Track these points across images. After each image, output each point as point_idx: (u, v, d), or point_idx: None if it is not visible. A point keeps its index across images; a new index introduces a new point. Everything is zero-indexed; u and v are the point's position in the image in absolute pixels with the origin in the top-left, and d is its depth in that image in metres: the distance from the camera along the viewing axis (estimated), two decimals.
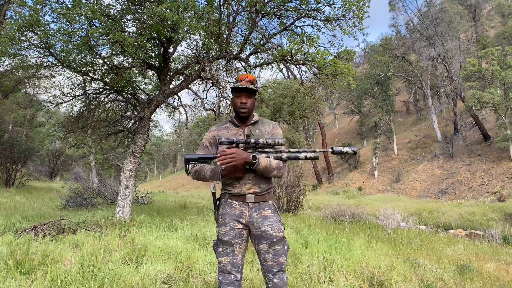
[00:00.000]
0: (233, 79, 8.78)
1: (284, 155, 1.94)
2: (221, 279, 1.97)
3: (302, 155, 1.93)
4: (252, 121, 2.09)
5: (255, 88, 2.01)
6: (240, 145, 1.91)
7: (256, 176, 1.98)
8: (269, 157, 1.93)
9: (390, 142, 32.04)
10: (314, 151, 1.93)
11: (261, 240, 1.97)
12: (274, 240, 1.95)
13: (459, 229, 10.72)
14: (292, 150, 1.96)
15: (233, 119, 2.11)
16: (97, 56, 7.04)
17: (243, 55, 7.82)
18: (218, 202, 2.08)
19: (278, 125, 2.16)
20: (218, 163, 1.86)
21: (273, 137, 2.01)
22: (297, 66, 7.93)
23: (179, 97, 9.35)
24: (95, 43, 6.45)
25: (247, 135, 2.02)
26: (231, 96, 2.13)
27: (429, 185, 22.50)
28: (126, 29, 6.91)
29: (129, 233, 4.97)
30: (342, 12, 7.33)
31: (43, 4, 5.90)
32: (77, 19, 5.91)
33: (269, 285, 1.96)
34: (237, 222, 1.98)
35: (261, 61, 8.17)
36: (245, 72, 8.08)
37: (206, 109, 8.76)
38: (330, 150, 1.90)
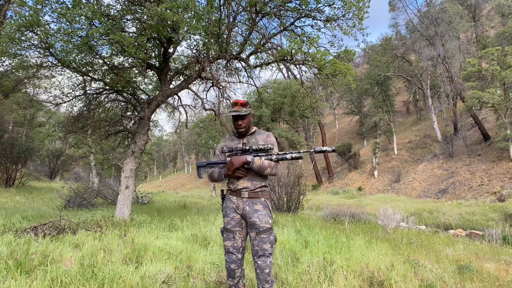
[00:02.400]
0: (232, 79, 8.79)
1: (274, 156, 2.41)
2: (226, 258, 2.46)
3: (288, 155, 2.39)
4: (250, 133, 2.59)
5: (246, 112, 2.48)
6: (238, 151, 2.44)
7: (250, 174, 2.44)
8: (261, 158, 2.40)
9: (390, 142, 32.04)
10: (299, 152, 2.38)
11: (251, 228, 2.42)
12: (261, 229, 2.38)
13: (459, 229, 10.72)
14: (280, 152, 2.42)
15: (234, 133, 2.64)
16: (97, 56, 7.04)
17: (243, 55, 7.82)
18: (224, 197, 2.57)
19: (272, 134, 2.64)
20: (226, 170, 2.42)
21: (265, 143, 2.50)
22: (297, 66, 7.93)
23: (179, 97, 9.36)
24: (95, 43, 6.45)
25: (243, 143, 2.51)
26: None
27: (429, 185, 22.50)
28: (126, 29, 6.90)
29: (129, 233, 4.97)
30: (342, 12, 7.33)
31: (43, 4, 5.90)
32: (77, 19, 5.91)
33: (255, 266, 2.40)
34: (236, 213, 2.46)
35: (261, 61, 8.17)
36: (257, 84, 8.86)
37: (206, 109, 8.76)
38: (312, 150, 2.34)
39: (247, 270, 3.32)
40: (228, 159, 2.44)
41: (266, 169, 2.40)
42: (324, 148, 2.29)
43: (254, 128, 2.64)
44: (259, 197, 2.45)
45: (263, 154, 2.41)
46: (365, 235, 6.07)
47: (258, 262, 2.36)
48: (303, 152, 2.37)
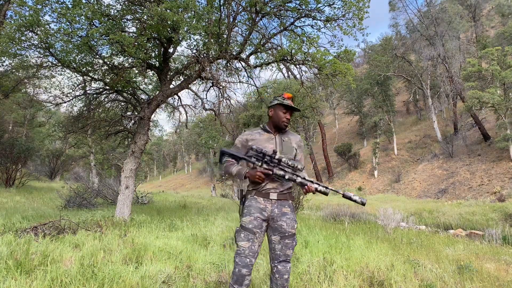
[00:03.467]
0: (232, 79, 8.78)
1: (298, 179, 2.19)
2: (238, 260, 2.21)
3: (314, 186, 2.17)
4: (283, 131, 2.41)
5: (297, 108, 2.38)
6: (270, 159, 2.22)
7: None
8: (285, 176, 2.19)
9: (390, 142, 32.04)
10: (326, 187, 2.15)
11: (275, 232, 2.27)
12: (286, 234, 2.25)
13: (459, 229, 10.72)
14: (307, 178, 2.19)
15: (266, 126, 2.44)
16: (97, 56, 7.04)
17: (243, 55, 7.82)
18: (244, 198, 2.38)
19: (301, 139, 2.52)
20: (255, 176, 2.21)
21: (296, 161, 2.32)
22: (297, 66, 7.93)
23: (179, 97, 9.36)
24: (95, 43, 6.44)
25: (274, 151, 2.25)
26: (273, 107, 2.40)
27: (429, 185, 22.50)
28: (126, 29, 6.90)
29: (129, 233, 4.97)
30: (342, 12, 7.33)
31: (43, 4, 5.90)
32: (77, 19, 5.90)
33: (274, 270, 2.26)
34: (260, 215, 2.26)
35: (261, 61, 8.17)
36: (257, 84, 8.66)
37: (206, 109, 8.76)
38: (340, 192, 2.15)
39: None
40: (253, 159, 2.26)
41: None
42: (354, 198, 2.08)
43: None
44: (287, 199, 2.34)
45: (290, 171, 2.21)
46: (365, 235, 6.07)
47: (279, 267, 2.24)
48: (330, 189, 2.17)
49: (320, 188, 2.14)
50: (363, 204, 2.09)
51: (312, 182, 2.16)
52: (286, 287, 2.26)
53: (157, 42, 7.25)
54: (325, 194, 2.14)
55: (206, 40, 6.79)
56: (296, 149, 2.42)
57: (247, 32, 7.72)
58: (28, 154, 16.69)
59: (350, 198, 2.07)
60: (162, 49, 7.43)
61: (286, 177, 2.18)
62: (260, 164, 2.25)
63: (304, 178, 2.17)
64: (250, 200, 2.33)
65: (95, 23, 6.17)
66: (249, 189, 2.38)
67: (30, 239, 3.97)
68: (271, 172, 2.19)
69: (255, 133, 2.41)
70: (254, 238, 2.22)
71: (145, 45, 6.33)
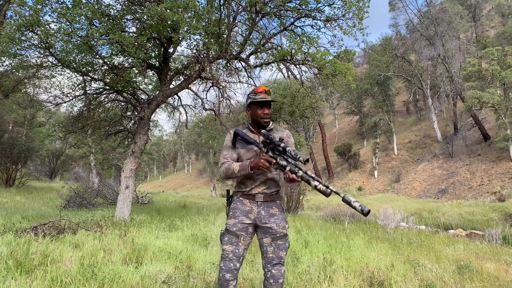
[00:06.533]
0: (232, 79, 8.78)
1: (300, 173, 1.95)
2: (222, 265, 2.16)
3: (314, 183, 1.92)
4: (268, 129, 2.26)
5: (273, 99, 2.21)
6: (270, 143, 2.05)
7: (268, 179, 2.19)
8: (286, 167, 1.99)
9: (390, 142, 32.03)
10: (327, 187, 1.89)
11: (266, 234, 2.16)
12: (278, 235, 2.15)
13: (459, 229, 10.71)
14: (308, 173, 1.96)
15: (250, 125, 2.29)
16: (97, 56, 7.04)
17: (243, 55, 7.82)
18: (230, 198, 2.30)
19: (291, 135, 2.34)
20: (259, 163, 2.02)
21: (296, 151, 2.01)
22: (297, 66, 7.92)
23: (179, 97, 9.35)
24: (95, 43, 6.44)
25: (280, 138, 2.07)
26: (248, 106, 2.28)
27: (429, 185, 22.50)
28: (126, 29, 6.90)
29: (129, 233, 4.97)
30: (342, 12, 7.33)
31: (43, 4, 5.90)
32: (77, 19, 5.91)
33: (268, 275, 2.14)
34: (246, 218, 2.17)
35: (261, 61, 8.17)
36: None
37: (206, 109, 8.76)
38: (341, 195, 1.86)
39: (247, 270, 3.32)
40: (260, 145, 2.10)
41: (294, 186, 2.17)
42: (354, 205, 1.81)
43: (271, 124, 2.31)
44: (274, 199, 2.22)
45: (292, 162, 1.99)
46: (365, 235, 6.07)
47: (273, 271, 2.13)
48: (331, 190, 1.89)
49: (320, 186, 1.89)
50: (363, 213, 1.79)
51: (313, 178, 1.93)
52: None
53: (157, 42, 7.25)
54: (325, 194, 1.88)
55: (206, 40, 6.79)
56: None
57: (247, 32, 7.72)
58: (28, 154, 16.70)
59: (350, 204, 1.83)
60: (162, 49, 7.43)
61: (288, 168, 1.98)
62: (266, 150, 2.08)
63: (305, 173, 1.95)
64: (235, 202, 2.24)
65: (95, 23, 6.17)
66: (235, 190, 2.29)
67: (30, 239, 3.97)
68: (274, 161, 2.02)
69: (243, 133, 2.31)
70: (238, 241, 2.14)
71: (145, 45, 6.33)
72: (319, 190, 1.91)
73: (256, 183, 2.19)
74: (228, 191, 2.34)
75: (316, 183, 1.91)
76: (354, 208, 1.82)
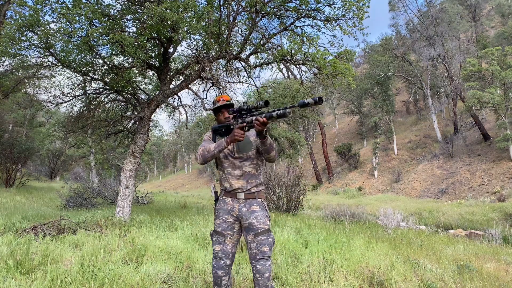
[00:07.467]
0: (232, 79, 8.78)
1: (263, 115, 2.03)
2: (214, 263, 2.32)
3: (274, 114, 1.97)
4: None
5: (232, 102, 2.40)
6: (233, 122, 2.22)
7: (244, 173, 2.33)
8: (253, 117, 2.07)
9: (390, 142, 32.03)
10: (285, 108, 1.92)
11: (248, 231, 2.29)
12: (259, 231, 2.25)
13: (459, 229, 10.72)
14: (270, 111, 2.03)
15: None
16: (97, 56, 7.04)
17: (243, 55, 7.82)
18: (217, 199, 2.44)
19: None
20: (233, 135, 2.09)
21: (259, 101, 2.09)
22: (297, 66, 7.93)
23: (179, 97, 9.35)
24: (95, 43, 6.44)
25: (244, 102, 2.20)
26: (215, 115, 2.48)
27: (429, 185, 22.50)
28: (126, 29, 6.90)
29: (129, 233, 4.97)
30: (342, 12, 7.33)
31: (43, 4, 5.90)
32: (77, 19, 5.91)
33: (254, 271, 2.24)
34: (229, 216, 2.33)
35: (261, 61, 8.17)
36: (257, 84, 8.30)
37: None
38: (296, 105, 1.89)
39: (246, 270, 3.32)
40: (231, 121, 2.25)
41: (273, 150, 2.20)
42: (307, 101, 1.83)
43: None
44: (256, 197, 2.33)
45: (257, 113, 2.11)
46: (365, 235, 6.07)
47: (257, 266, 2.22)
48: (289, 107, 1.91)
49: (278, 112, 1.94)
50: (315, 101, 1.77)
51: (273, 111, 1.99)
52: (270, 286, 2.21)
53: (157, 42, 7.25)
54: (285, 115, 1.92)
55: (206, 40, 6.80)
56: (255, 140, 2.37)
57: (247, 32, 7.72)
58: (28, 154, 16.71)
59: (304, 104, 1.83)
60: (162, 49, 7.43)
61: (254, 118, 2.05)
62: (234, 121, 2.21)
63: (267, 112, 2.02)
64: (219, 202, 2.40)
65: (95, 23, 6.17)
66: (220, 189, 2.45)
67: (30, 239, 3.97)
68: (244, 124, 2.10)
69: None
70: (224, 240, 2.31)
71: (145, 45, 6.33)
72: (279, 116, 1.95)
73: (234, 177, 2.32)
74: (216, 192, 2.46)
75: (275, 113, 1.97)
76: (308, 103, 1.82)
